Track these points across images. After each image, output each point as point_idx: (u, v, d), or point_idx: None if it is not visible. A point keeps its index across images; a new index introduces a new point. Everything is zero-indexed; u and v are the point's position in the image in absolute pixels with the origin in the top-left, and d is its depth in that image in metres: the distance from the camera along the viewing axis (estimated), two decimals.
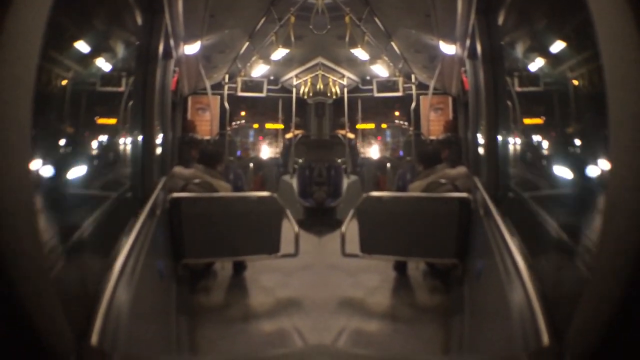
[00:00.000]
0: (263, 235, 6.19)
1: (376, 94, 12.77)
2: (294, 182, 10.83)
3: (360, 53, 10.70)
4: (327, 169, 10.62)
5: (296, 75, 12.97)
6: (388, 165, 11.24)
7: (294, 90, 13.25)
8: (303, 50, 11.51)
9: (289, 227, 6.13)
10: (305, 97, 13.31)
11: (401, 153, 12.21)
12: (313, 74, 12.85)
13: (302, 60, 12.28)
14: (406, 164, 10.54)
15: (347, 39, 9.49)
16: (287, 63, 12.17)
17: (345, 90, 13.35)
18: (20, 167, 2.21)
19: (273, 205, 6.19)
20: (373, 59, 11.63)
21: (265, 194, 6.50)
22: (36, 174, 2.28)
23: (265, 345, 5.42)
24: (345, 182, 10.92)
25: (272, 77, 12.81)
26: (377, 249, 6.22)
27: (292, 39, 9.58)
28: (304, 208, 10.06)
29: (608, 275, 2.27)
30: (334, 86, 13.14)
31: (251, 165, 11.37)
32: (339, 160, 11.40)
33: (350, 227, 6.08)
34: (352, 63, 12.24)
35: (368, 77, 13.01)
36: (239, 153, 12.18)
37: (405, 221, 6.12)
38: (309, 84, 13.09)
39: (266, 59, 11.48)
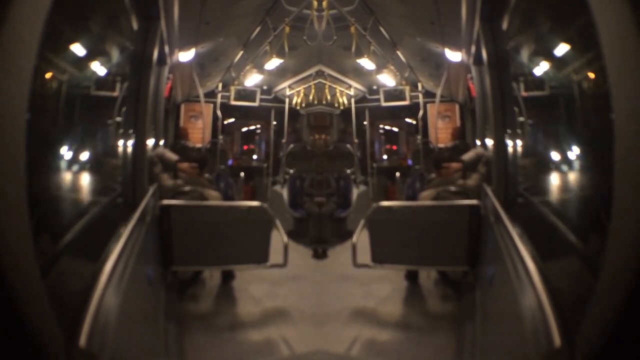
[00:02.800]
0: (252, 244, 6.17)
1: (383, 104, 12.75)
2: (284, 193, 10.81)
3: (366, 63, 10.72)
4: (336, 179, 10.58)
5: (289, 86, 12.99)
6: (397, 174, 11.23)
7: (287, 100, 13.25)
8: (296, 61, 11.53)
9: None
10: (298, 107, 13.32)
11: (410, 162, 12.17)
12: (306, 85, 12.86)
13: (295, 70, 12.30)
14: (415, 173, 10.53)
15: (353, 49, 9.50)
16: (280, 73, 12.18)
17: (353, 100, 13.35)
18: (14, 169, 2.20)
19: (263, 215, 6.18)
20: (379, 69, 11.64)
21: (255, 203, 6.49)
22: (30, 177, 2.27)
23: (253, 353, 5.40)
24: (355, 192, 10.90)
25: (265, 87, 12.81)
26: (388, 258, 6.22)
27: (286, 49, 9.60)
28: (294, 219, 10.04)
29: (616, 277, 2.29)
30: (341, 97, 13.16)
31: (242, 174, 11.35)
32: (348, 171, 11.38)
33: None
34: (359, 73, 12.24)
35: (375, 87, 13.01)
36: (230, 162, 12.13)
37: (416, 230, 6.14)
38: (301, 94, 13.11)
39: (260, 68, 11.49)
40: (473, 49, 6.30)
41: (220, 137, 11.93)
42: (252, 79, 12.11)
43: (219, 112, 11.94)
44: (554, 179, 4.15)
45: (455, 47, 7.82)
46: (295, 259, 6.82)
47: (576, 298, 2.83)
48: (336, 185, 10.39)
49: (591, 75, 3.01)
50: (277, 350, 5.49)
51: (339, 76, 12.64)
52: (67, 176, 3.67)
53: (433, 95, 11.50)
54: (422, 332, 5.73)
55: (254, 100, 12.55)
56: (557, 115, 4.04)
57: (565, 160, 3.83)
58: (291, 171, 11.21)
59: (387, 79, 12.29)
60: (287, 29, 9.26)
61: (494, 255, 4.86)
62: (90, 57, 4.00)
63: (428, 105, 12.03)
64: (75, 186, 3.89)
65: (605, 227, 2.37)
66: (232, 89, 12.18)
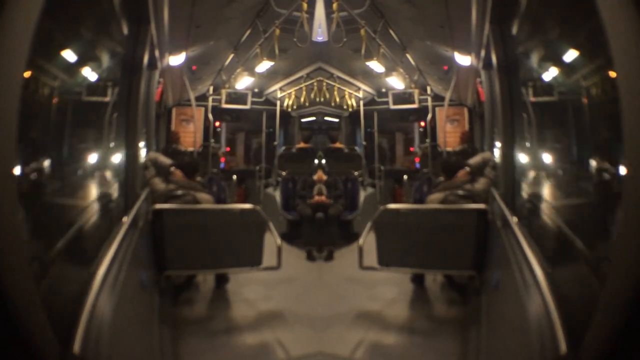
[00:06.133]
0: (245, 247, 6.16)
1: (392, 106, 12.74)
2: (277, 195, 10.80)
3: (375, 65, 10.72)
4: (343, 181, 10.56)
5: (280, 88, 12.98)
6: (405, 177, 11.24)
7: (278, 102, 13.24)
8: (287, 63, 11.52)
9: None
10: (289, 109, 13.31)
11: (417, 165, 12.17)
12: (297, 87, 12.85)
13: (286, 73, 12.29)
14: (423, 176, 10.54)
15: (362, 51, 9.50)
16: (271, 76, 12.17)
17: (361, 102, 13.34)
18: (5, 175, 2.19)
19: (256, 218, 6.17)
20: (388, 71, 11.61)
21: (248, 206, 6.48)
22: (21, 182, 2.26)
23: (248, 357, 5.40)
24: (362, 194, 10.89)
25: (256, 90, 12.79)
26: (395, 261, 6.21)
27: (277, 51, 9.61)
28: (287, 221, 10.04)
29: (622, 284, 2.29)
30: (350, 99, 13.15)
31: (234, 177, 11.34)
32: (356, 173, 11.36)
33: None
34: (368, 75, 12.21)
35: (384, 90, 13.00)
36: (222, 165, 12.12)
37: (422, 233, 6.13)
38: (292, 96, 13.10)
39: (251, 71, 11.48)
40: (482, 53, 6.31)
41: (212, 140, 11.93)
42: (243, 82, 12.10)
43: (210, 116, 11.93)
44: (562, 185, 4.15)
45: (465, 51, 7.83)
46: (288, 262, 6.82)
47: (582, 305, 2.84)
48: (344, 187, 10.38)
49: (600, 81, 3.01)
50: (273, 353, 5.49)
51: (347, 78, 12.63)
52: (59, 182, 3.65)
53: (442, 98, 11.51)
54: (427, 336, 5.73)
55: (245, 103, 12.54)
56: (566, 120, 4.04)
57: (574, 166, 3.83)
58: (283, 173, 11.20)
59: (396, 82, 12.28)
60: (277, 31, 9.27)
61: (501, 260, 4.87)
62: (80, 62, 3.99)
63: (437, 109, 12.03)
64: (67, 192, 3.87)
65: (612, 233, 2.38)
66: (223, 92, 12.17)
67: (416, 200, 8.75)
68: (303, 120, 13.81)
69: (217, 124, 12.63)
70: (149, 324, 5.13)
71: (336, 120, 13.74)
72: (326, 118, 13.57)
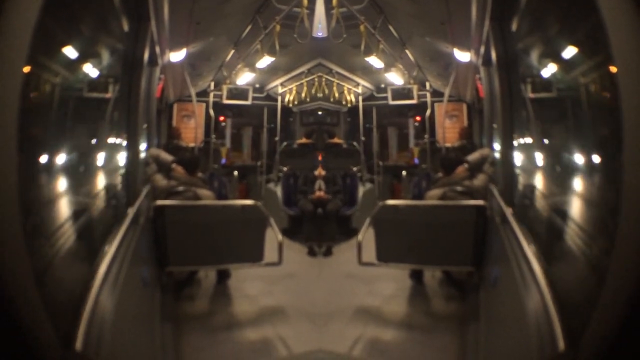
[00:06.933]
0: (247, 243, 6.17)
1: (391, 102, 12.72)
2: (278, 191, 10.80)
3: (375, 61, 10.71)
4: (342, 176, 10.56)
5: (281, 84, 12.97)
6: (404, 173, 11.24)
7: (279, 98, 13.23)
8: (288, 59, 11.51)
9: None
10: (290, 105, 13.30)
11: (416, 161, 12.15)
12: (298, 82, 12.84)
13: (287, 68, 12.28)
14: (421, 172, 10.54)
15: (362, 47, 9.50)
16: (272, 71, 12.16)
17: (360, 98, 13.32)
18: (6, 173, 2.20)
19: (257, 214, 6.18)
20: (388, 67, 11.60)
21: (249, 202, 6.49)
22: (22, 179, 2.27)
23: (250, 352, 5.41)
24: (361, 190, 10.88)
25: (257, 85, 12.78)
26: (393, 257, 6.23)
27: (277, 47, 9.60)
28: (288, 217, 10.04)
29: (622, 281, 2.29)
30: (349, 94, 13.13)
31: (235, 173, 11.34)
32: (355, 169, 11.35)
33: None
34: (367, 71, 12.19)
35: (383, 85, 12.98)
36: (223, 161, 12.11)
37: (421, 229, 6.14)
38: (294, 92, 13.09)
39: (251, 66, 11.47)
40: (482, 49, 6.30)
41: (214, 136, 11.92)
42: (244, 78, 12.09)
43: (211, 112, 11.93)
44: (561, 181, 4.15)
45: (464, 47, 7.81)
46: (290, 257, 6.83)
47: (581, 301, 2.84)
48: (342, 182, 10.37)
49: (600, 77, 3.00)
50: (274, 348, 5.50)
51: (347, 74, 12.61)
52: (60, 179, 3.66)
53: (441, 94, 11.48)
54: (425, 332, 5.74)
55: (246, 99, 12.52)
56: (565, 117, 4.03)
57: (573, 162, 3.82)
58: (285, 169, 11.19)
59: (395, 78, 12.26)
60: (278, 27, 9.26)
61: (499, 257, 4.87)
62: (81, 59, 3.99)
63: (436, 105, 12.01)
64: (68, 189, 3.88)
65: (611, 230, 2.37)
66: (225, 87, 12.16)
67: (415, 196, 8.75)
68: (304, 116, 13.79)
69: (222, 118, 12.63)
70: (150, 320, 5.15)
71: (320, 113, 13.71)
72: (320, 112, 13.55)
